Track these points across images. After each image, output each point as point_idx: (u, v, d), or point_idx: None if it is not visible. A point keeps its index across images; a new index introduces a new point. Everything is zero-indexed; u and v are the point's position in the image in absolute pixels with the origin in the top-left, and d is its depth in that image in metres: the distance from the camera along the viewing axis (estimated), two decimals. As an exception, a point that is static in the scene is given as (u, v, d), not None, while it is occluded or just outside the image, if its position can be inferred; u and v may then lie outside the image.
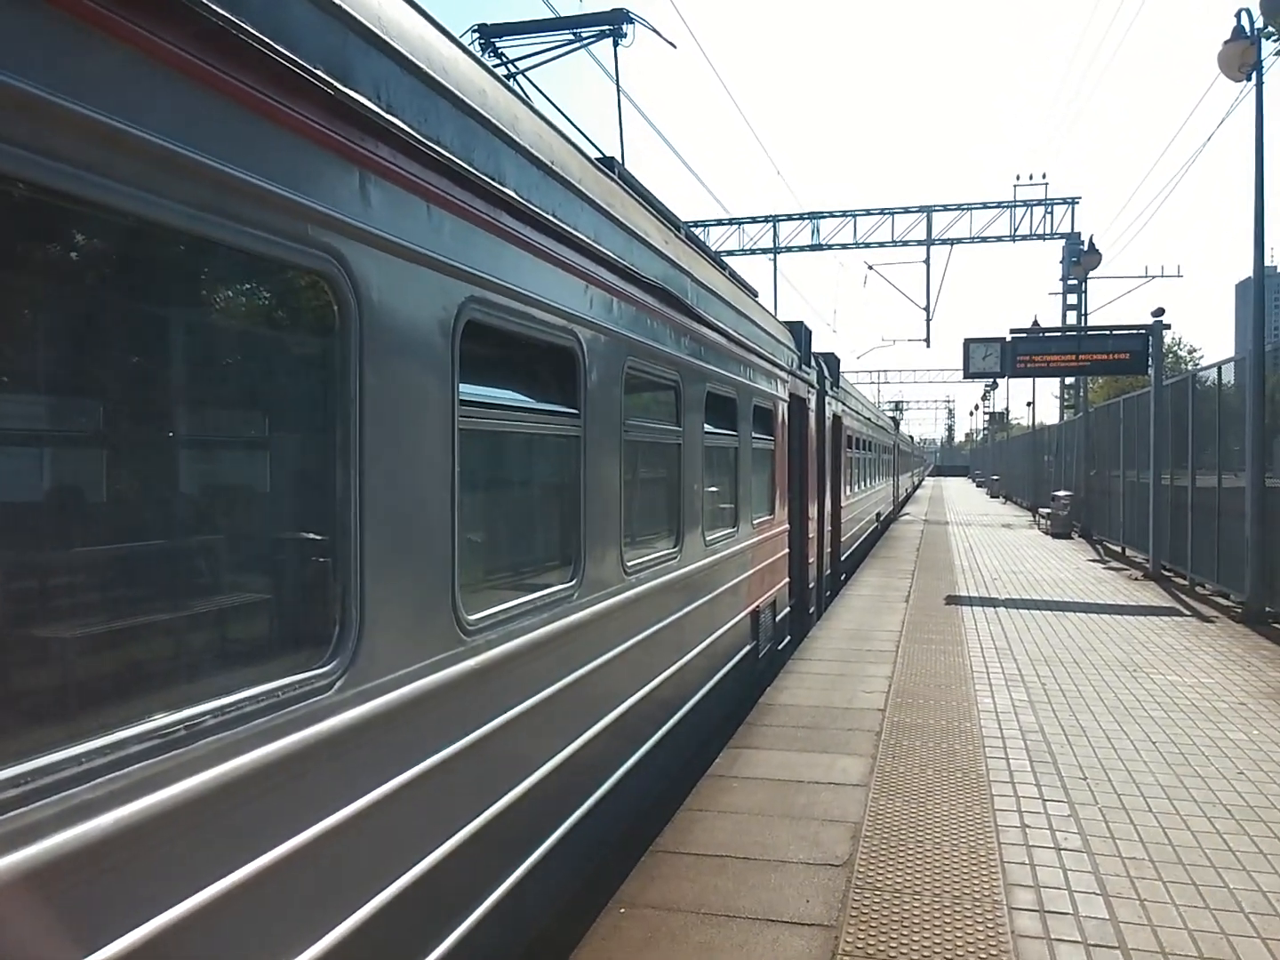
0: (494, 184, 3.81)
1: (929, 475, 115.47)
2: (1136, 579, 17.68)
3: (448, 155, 3.45)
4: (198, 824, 2.36)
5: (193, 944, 2.34)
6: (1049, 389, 51.46)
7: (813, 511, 13.50)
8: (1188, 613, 13.81)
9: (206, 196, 2.41)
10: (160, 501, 2.66)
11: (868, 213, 35.50)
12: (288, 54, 2.62)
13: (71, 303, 2.37)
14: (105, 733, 2.13)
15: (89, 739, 2.10)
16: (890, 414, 56.68)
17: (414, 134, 3.23)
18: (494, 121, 3.85)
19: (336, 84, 2.83)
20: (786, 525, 11.42)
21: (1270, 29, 13.00)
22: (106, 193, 2.16)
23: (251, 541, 2.97)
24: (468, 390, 3.69)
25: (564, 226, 4.54)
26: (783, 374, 10.96)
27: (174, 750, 2.28)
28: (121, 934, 2.13)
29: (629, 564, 5.63)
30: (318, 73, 2.75)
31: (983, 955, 4.17)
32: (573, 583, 4.79)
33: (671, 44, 11.60)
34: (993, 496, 57.74)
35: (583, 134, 8.49)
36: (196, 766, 2.34)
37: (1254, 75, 13.50)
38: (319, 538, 3.02)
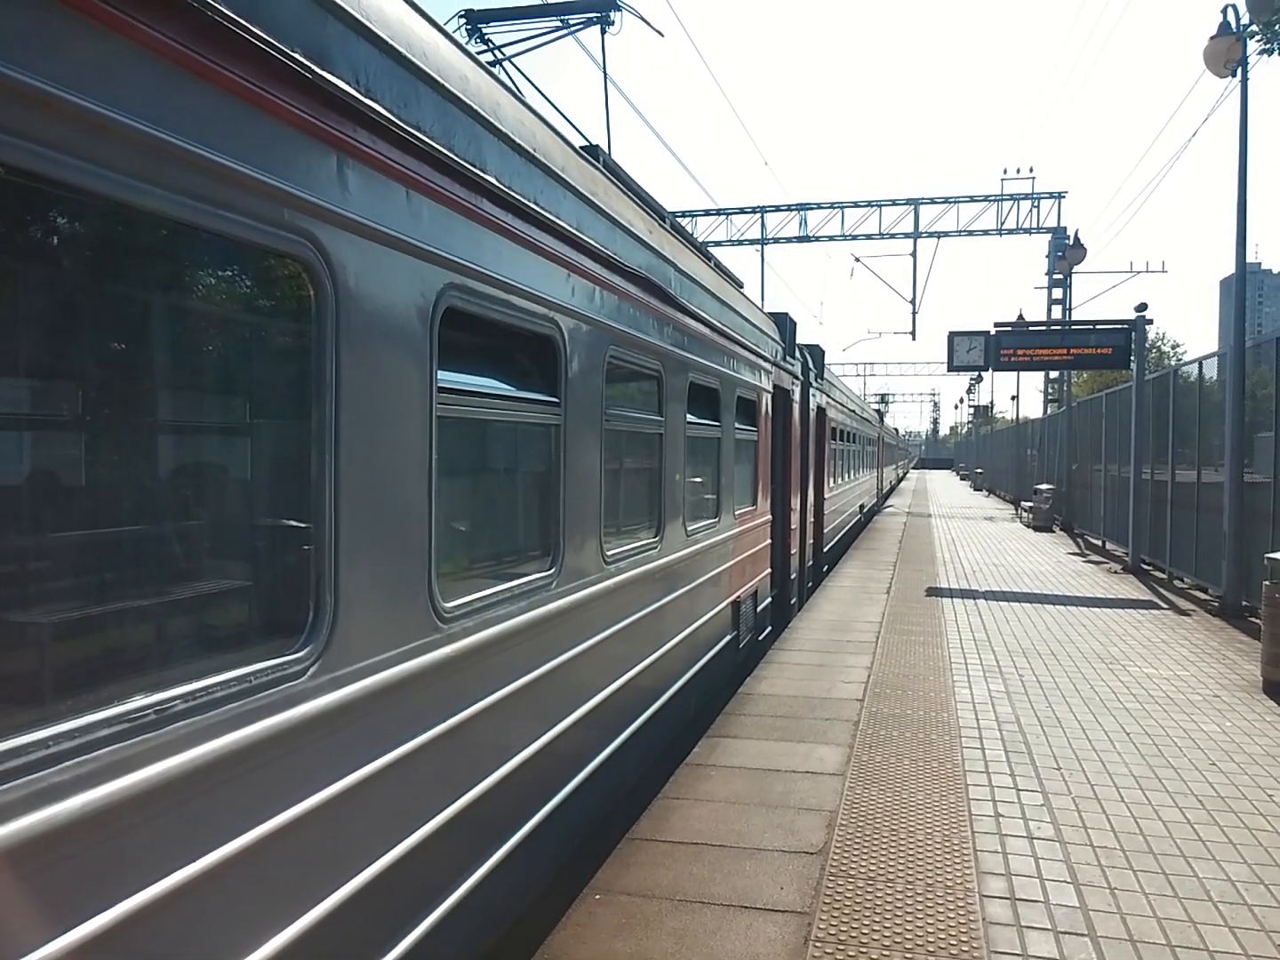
0: (474, 170, 3.80)
1: (914, 468, 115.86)
2: (1116, 572, 17.82)
3: (427, 141, 3.43)
4: (167, 809, 2.35)
5: (160, 930, 2.34)
6: (1033, 383, 51.70)
7: (795, 503, 13.53)
8: (1165, 606, 13.93)
9: (181, 180, 2.39)
10: (133, 486, 2.65)
11: (855, 205, 35.55)
12: (265, 37, 2.60)
13: (45, 287, 2.35)
14: (73, 716, 2.13)
15: (57, 722, 2.09)
16: (875, 406, 56.79)
17: (393, 119, 3.22)
18: (475, 107, 3.84)
19: (314, 67, 2.81)
20: (769, 516, 11.45)
21: (1255, 26, 13.05)
22: (81, 176, 2.15)
23: (224, 526, 2.96)
24: (446, 377, 3.69)
25: (546, 214, 4.53)
26: (767, 365, 10.98)
27: (143, 734, 2.27)
28: (88, 919, 2.13)
29: (609, 553, 5.64)
30: (295, 56, 2.73)
31: (954, 942, 4.21)
32: (551, 571, 4.79)
33: (659, 32, 11.56)
34: (976, 489, 58.03)
35: (569, 122, 8.47)
36: (166, 751, 2.34)
37: (1239, 71, 13.55)
38: (293, 523, 3.01)
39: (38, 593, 2.34)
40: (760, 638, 10.96)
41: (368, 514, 3.19)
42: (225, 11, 2.44)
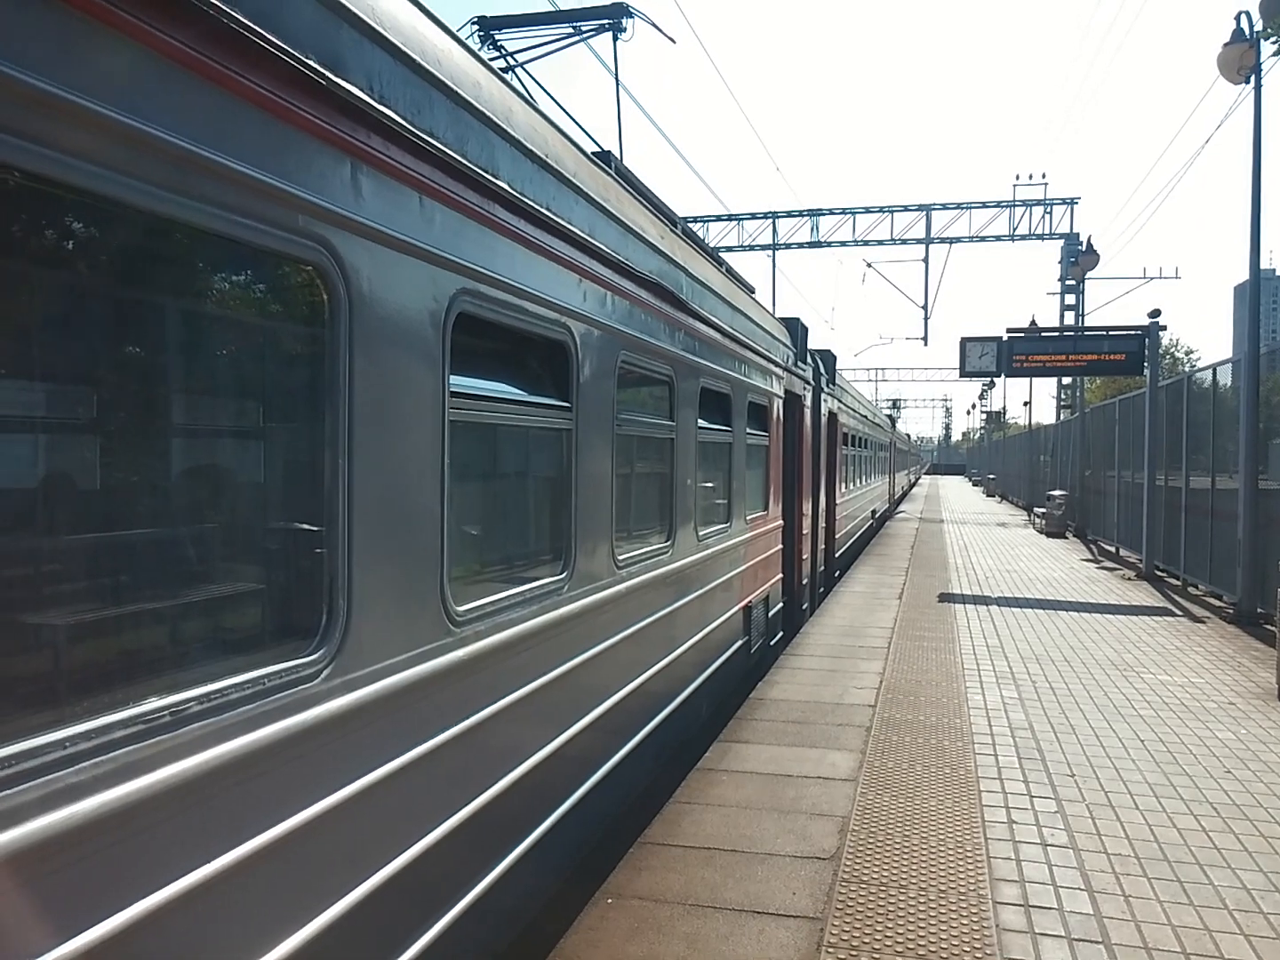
0: (487, 176, 3.82)
1: (925, 474, 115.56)
2: (1129, 579, 17.72)
3: (441, 147, 3.45)
4: (182, 809, 2.37)
5: (175, 930, 2.36)
6: (1046, 389, 51.58)
7: (807, 508, 13.51)
8: (1179, 613, 13.85)
9: (198, 185, 2.42)
10: (149, 490, 2.67)
11: (867, 210, 35.51)
12: (281, 44, 2.63)
13: (61, 290, 2.37)
14: (90, 717, 2.15)
15: (75, 723, 2.11)
16: (887, 412, 56.69)
17: (407, 125, 3.24)
18: (488, 114, 3.86)
19: (329, 74, 2.84)
20: (780, 521, 11.44)
21: (1269, 31, 13.00)
22: (97, 180, 2.17)
23: (238, 530, 2.98)
24: (458, 382, 3.70)
25: (558, 220, 4.55)
26: (778, 370, 10.98)
27: (159, 736, 2.29)
28: (104, 918, 2.15)
29: (620, 558, 5.64)
30: (310, 63, 2.76)
31: (967, 949, 4.20)
32: (563, 575, 4.80)
33: (671, 39, 11.58)
34: (989, 495, 57.83)
35: (581, 128, 8.51)
36: (181, 752, 2.35)
37: (1253, 78, 13.51)
38: (307, 527, 3.02)
39: (55, 595, 2.36)
40: (772, 643, 10.95)
41: (381, 518, 3.21)
42: (241, 19, 2.47)
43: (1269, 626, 11.78)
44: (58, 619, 2.33)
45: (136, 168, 2.25)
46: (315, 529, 2.98)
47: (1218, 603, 14.39)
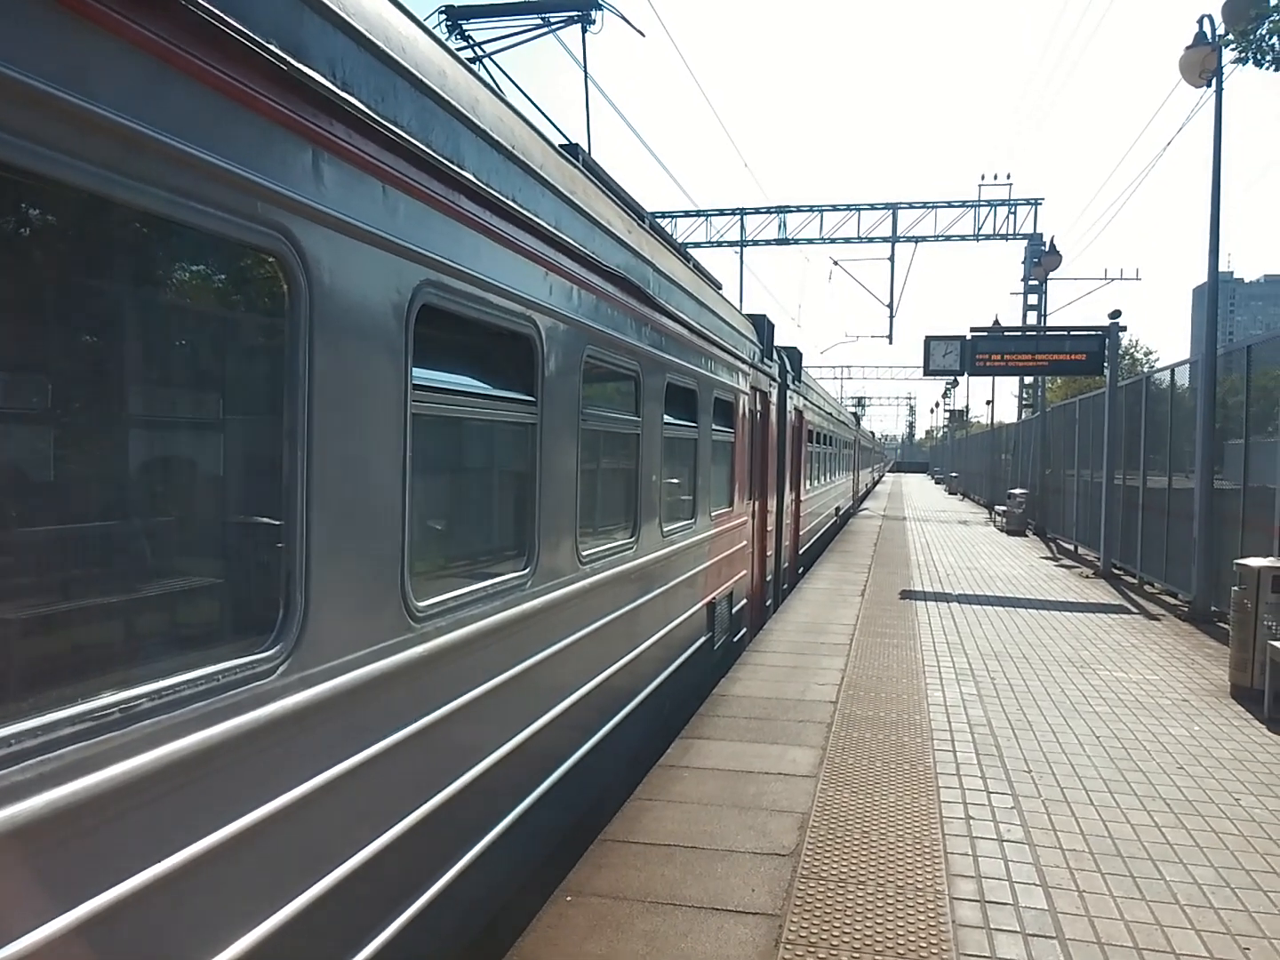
0: (452, 166, 3.77)
1: (889, 471, 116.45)
2: (1087, 577, 17.97)
3: (404, 135, 3.41)
4: (132, 808, 2.32)
5: (127, 930, 2.31)
6: (1008, 388, 52.10)
7: (772, 505, 13.56)
8: (1135, 611, 14.07)
9: (153, 172, 2.36)
10: (102, 481, 2.61)
11: (834, 208, 35.66)
12: (240, 27, 2.57)
13: (13, 279, 2.31)
14: (36, 714, 2.09)
15: (19, 720, 2.05)
16: (852, 410, 57.07)
17: (370, 113, 3.19)
18: (453, 103, 3.81)
19: (290, 59, 2.78)
20: (745, 518, 11.46)
21: (1229, 39, 13.18)
22: (48, 164, 2.11)
23: (194, 523, 2.93)
24: (421, 375, 3.66)
25: (524, 212, 4.50)
26: (744, 367, 10.99)
27: (108, 733, 2.24)
28: (52, 919, 2.10)
29: (584, 554, 5.62)
30: (270, 47, 2.70)
31: (923, 944, 4.23)
32: (525, 571, 4.77)
33: (640, 32, 11.53)
34: (951, 493, 58.42)
35: (549, 120, 8.46)
36: (132, 750, 2.30)
37: (1214, 81, 13.69)
38: (264, 520, 2.97)
39: (2, 588, 2.29)
40: (736, 639, 10.97)
41: (340, 512, 3.16)
42: (202, 3, 2.41)
43: (1222, 624, 11.98)
44: (5, 613, 2.27)
45: (92, 153, 2.19)
46: (272, 522, 2.93)
47: (1173, 600, 14.64)
